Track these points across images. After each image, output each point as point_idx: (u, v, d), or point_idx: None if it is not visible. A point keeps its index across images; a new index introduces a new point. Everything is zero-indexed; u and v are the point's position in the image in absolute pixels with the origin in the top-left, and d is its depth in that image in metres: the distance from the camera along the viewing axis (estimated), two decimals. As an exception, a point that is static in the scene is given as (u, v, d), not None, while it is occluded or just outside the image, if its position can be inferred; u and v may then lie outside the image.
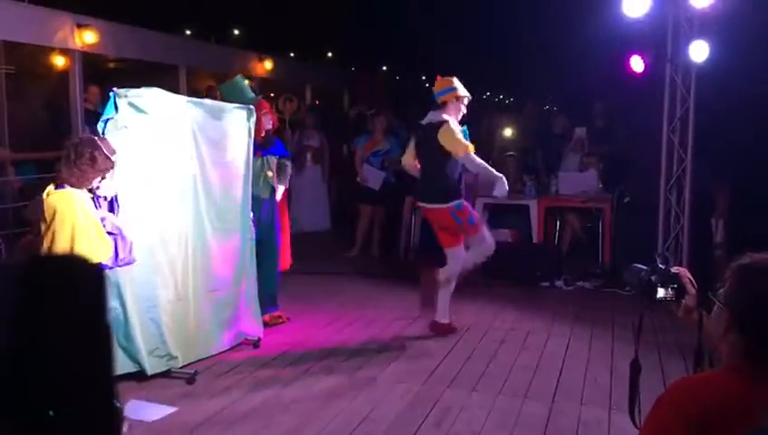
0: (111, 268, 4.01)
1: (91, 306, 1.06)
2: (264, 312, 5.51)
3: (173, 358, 4.58)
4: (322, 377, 4.65)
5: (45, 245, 3.75)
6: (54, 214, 3.79)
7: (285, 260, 5.99)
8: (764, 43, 6.23)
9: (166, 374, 4.53)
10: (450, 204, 5.39)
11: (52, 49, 8.67)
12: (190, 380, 4.48)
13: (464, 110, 5.55)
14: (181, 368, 4.59)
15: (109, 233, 3.95)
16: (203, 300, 4.87)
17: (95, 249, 3.82)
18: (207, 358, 4.85)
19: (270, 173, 5.61)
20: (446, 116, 5.43)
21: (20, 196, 7.38)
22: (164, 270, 4.57)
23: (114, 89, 4.27)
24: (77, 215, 3.80)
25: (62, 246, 3.69)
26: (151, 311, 4.49)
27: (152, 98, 4.44)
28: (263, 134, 5.51)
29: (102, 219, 3.98)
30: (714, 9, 6.21)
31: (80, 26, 8.22)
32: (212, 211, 4.91)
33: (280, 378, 4.61)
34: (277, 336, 5.46)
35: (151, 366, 4.44)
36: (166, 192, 4.56)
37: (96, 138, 4.04)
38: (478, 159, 5.42)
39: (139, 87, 4.41)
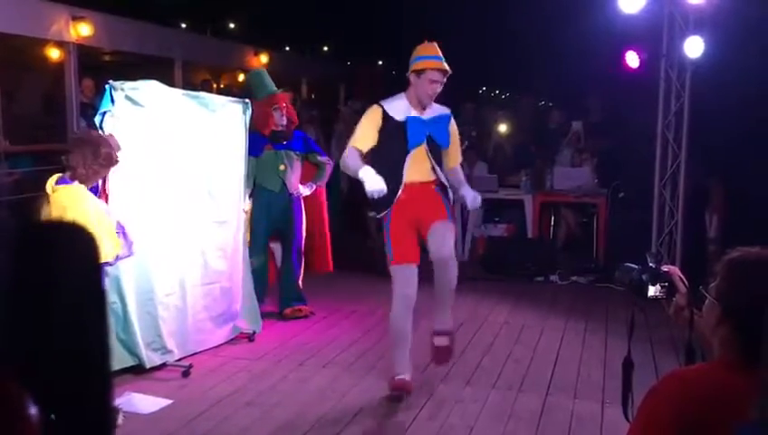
0: (112, 265, 3.97)
1: (86, 269, 1.06)
2: (286, 305, 5.77)
3: (168, 351, 4.60)
4: (317, 370, 4.66)
5: None
6: (65, 210, 3.66)
7: (322, 262, 6.03)
8: (759, 38, 6.25)
9: (161, 368, 4.54)
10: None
11: (47, 41, 8.64)
12: (185, 373, 4.50)
13: (432, 89, 4.10)
14: (177, 361, 4.61)
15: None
16: (199, 293, 4.88)
17: (106, 246, 3.73)
18: (203, 351, 4.87)
19: (282, 167, 5.60)
20: (394, 96, 4.23)
21: (16, 189, 7.36)
22: (160, 263, 4.57)
23: (110, 82, 4.27)
24: (89, 211, 3.71)
25: None
26: (148, 304, 4.50)
27: (148, 91, 4.44)
28: (272, 128, 5.51)
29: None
30: (709, 5, 6.23)
31: (75, 19, 8.19)
32: (207, 204, 4.92)
33: (275, 371, 4.62)
34: (272, 330, 5.47)
35: (148, 359, 4.46)
36: (161, 185, 4.56)
37: (106, 136, 3.99)
38: (351, 160, 4.13)
39: (134, 80, 4.41)
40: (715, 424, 1.46)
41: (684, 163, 6.84)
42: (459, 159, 4.45)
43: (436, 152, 4.22)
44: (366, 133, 4.16)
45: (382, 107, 4.16)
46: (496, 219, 8.57)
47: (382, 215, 4.17)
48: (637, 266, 2.00)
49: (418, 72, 4.08)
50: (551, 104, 13.66)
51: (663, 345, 4.94)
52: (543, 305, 6.34)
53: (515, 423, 3.90)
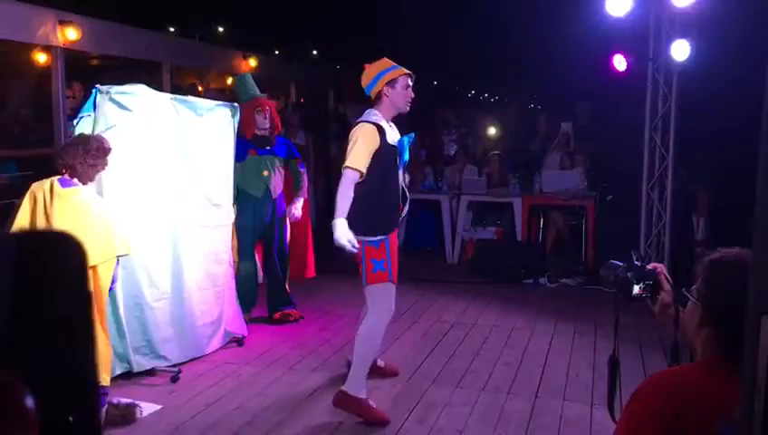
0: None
1: (75, 278, 1.07)
2: (275, 310, 5.80)
3: (158, 356, 4.58)
4: (306, 374, 4.66)
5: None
6: (78, 213, 3.73)
7: (303, 269, 6.13)
8: (745, 42, 6.30)
9: (150, 373, 4.52)
10: (363, 238, 4.05)
11: (34, 46, 8.59)
12: (174, 378, 4.48)
13: (409, 94, 4.12)
14: (166, 366, 4.59)
15: None
16: (196, 299, 4.86)
17: (119, 241, 3.89)
18: (193, 356, 4.85)
19: (266, 173, 5.59)
20: (372, 115, 4.11)
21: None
22: (149, 269, 4.55)
23: (97, 86, 4.25)
24: (104, 211, 3.85)
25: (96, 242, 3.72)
26: (135, 309, 4.48)
27: (136, 95, 4.43)
28: (255, 132, 5.50)
29: None
30: (695, 9, 6.27)
31: (62, 23, 8.13)
32: (196, 209, 4.90)
33: (264, 375, 4.61)
34: (261, 334, 5.46)
35: (136, 364, 4.44)
36: (150, 190, 4.54)
37: (95, 135, 4.03)
38: (346, 184, 3.97)
39: (122, 84, 4.40)
40: (698, 426, 1.47)
41: (671, 166, 6.88)
42: None
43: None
44: (366, 156, 3.98)
45: (378, 126, 4.03)
46: (485, 222, 8.60)
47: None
48: (622, 264, 2.00)
49: (391, 83, 4.07)
50: (539, 107, 13.72)
51: (651, 345, 4.97)
52: (532, 308, 6.36)
53: (505, 426, 3.91)
